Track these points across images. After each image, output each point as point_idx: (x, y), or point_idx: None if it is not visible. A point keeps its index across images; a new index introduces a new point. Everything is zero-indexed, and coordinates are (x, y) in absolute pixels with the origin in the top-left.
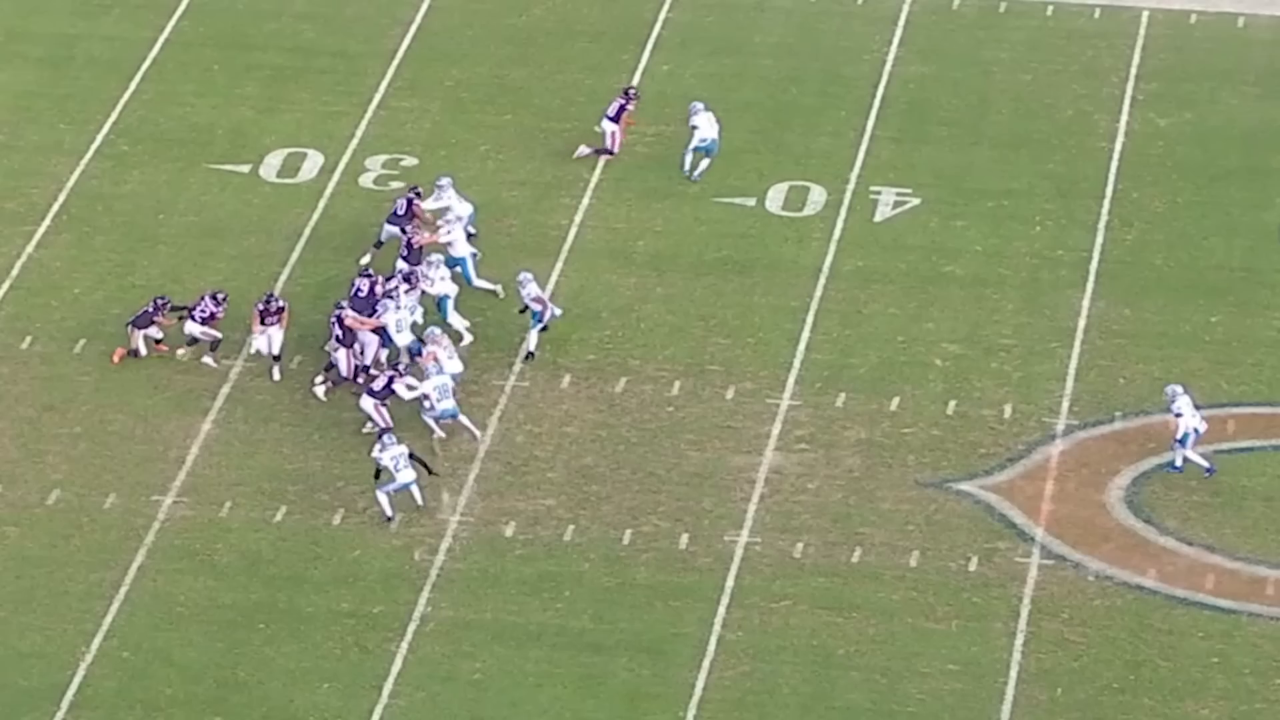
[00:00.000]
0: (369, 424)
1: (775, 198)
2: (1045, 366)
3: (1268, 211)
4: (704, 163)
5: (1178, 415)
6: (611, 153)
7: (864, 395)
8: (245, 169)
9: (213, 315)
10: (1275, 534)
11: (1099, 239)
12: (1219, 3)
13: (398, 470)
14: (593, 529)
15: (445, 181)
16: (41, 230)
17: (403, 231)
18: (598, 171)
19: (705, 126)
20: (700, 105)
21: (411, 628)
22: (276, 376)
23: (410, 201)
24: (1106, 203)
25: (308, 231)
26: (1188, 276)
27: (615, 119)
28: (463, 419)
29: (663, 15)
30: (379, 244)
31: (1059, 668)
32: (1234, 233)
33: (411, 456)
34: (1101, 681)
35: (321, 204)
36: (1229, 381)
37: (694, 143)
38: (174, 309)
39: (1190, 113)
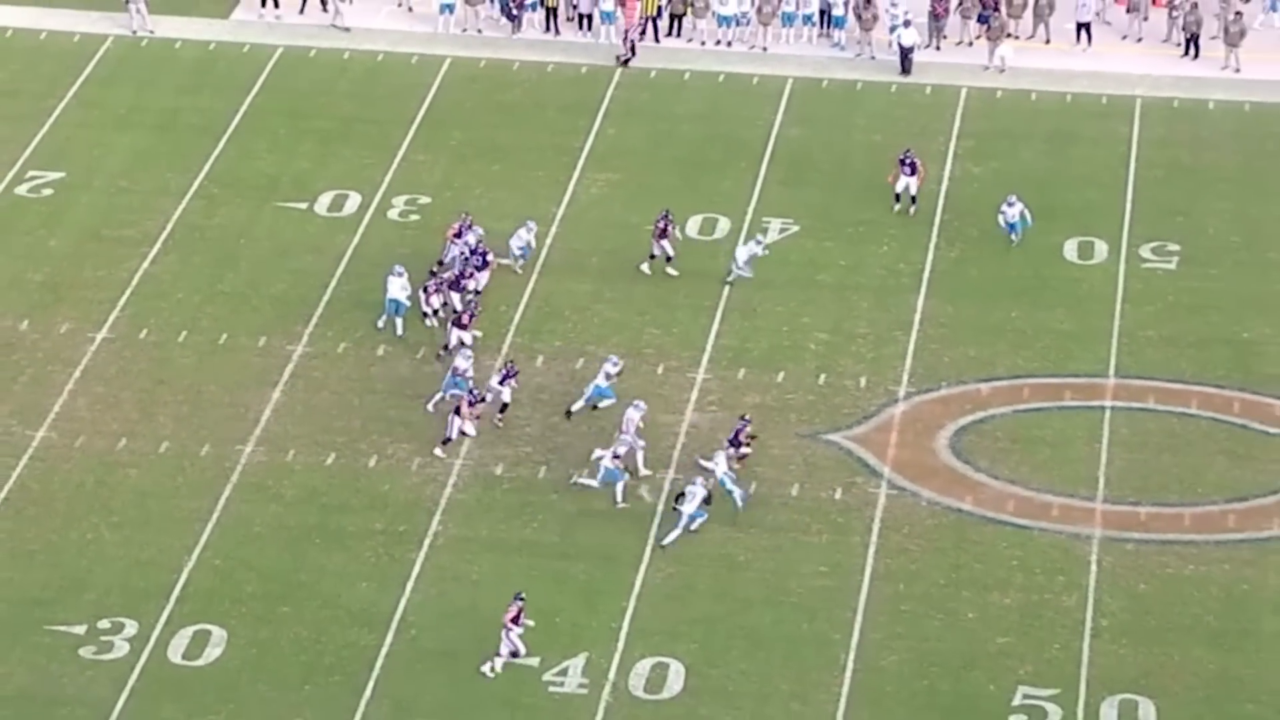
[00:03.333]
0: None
1: (693, 226)
2: (890, 349)
3: (1052, 236)
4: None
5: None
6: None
7: (758, 370)
8: (303, 206)
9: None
10: (1059, 471)
11: (930, 256)
12: (1018, 82)
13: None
14: (560, 469)
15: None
16: (153, 252)
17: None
18: (562, 207)
19: (1012, 212)
20: (1014, 197)
21: (427, 542)
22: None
23: (668, 224)
24: (936, 229)
25: (349, 253)
26: (995, 284)
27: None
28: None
29: (610, 92)
30: (654, 257)
31: (901, 569)
32: (1028, 252)
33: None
34: (932, 579)
35: (360, 232)
36: (1024, 360)
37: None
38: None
39: (996, 163)
